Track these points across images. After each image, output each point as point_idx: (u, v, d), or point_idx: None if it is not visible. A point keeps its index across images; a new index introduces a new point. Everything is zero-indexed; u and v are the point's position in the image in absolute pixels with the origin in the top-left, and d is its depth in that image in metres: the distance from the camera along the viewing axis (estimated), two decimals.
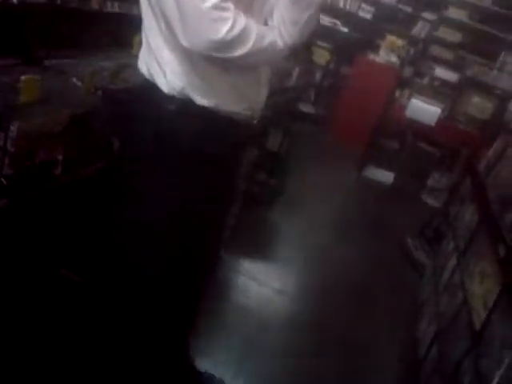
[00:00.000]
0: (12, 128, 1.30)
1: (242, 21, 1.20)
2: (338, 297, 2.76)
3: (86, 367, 1.63)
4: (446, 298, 2.36)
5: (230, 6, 1.18)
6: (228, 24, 1.17)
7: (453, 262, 2.50)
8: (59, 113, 1.46)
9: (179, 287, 1.56)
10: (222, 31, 1.17)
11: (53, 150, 1.41)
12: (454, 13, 6.17)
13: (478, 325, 1.85)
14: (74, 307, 1.70)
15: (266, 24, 1.33)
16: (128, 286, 1.47)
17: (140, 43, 1.42)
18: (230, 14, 1.17)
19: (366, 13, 6.38)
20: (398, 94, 5.11)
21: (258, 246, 2.97)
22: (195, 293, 1.71)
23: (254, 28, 1.24)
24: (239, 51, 1.22)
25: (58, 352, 1.67)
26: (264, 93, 1.46)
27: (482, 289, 1.98)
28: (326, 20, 5.92)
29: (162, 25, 1.27)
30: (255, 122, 1.54)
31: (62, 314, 1.71)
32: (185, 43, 1.21)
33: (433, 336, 2.26)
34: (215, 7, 1.15)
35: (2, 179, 1.25)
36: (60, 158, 1.43)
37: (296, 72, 3.23)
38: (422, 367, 2.22)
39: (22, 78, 1.44)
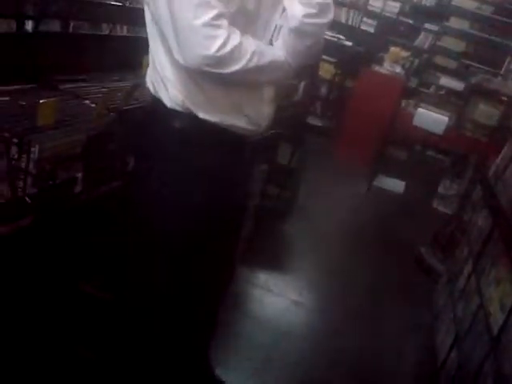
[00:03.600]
0: (33, 150, 1.34)
1: (236, 38, 1.22)
2: (355, 306, 2.76)
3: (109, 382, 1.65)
4: (462, 304, 2.36)
5: (224, 23, 1.20)
6: (220, 41, 1.19)
7: (468, 267, 2.51)
8: (76, 135, 1.50)
9: (199, 301, 1.59)
10: (213, 47, 1.19)
11: (72, 170, 1.45)
12: (455, 22, 6.23)
13: (495, 329, 1.85)
14: (96, 322, 1.73)
15: (270, 44, 1.35)
16: (150, 301, 1.50)
17: (149, 64, 1.46)
18: (222, 31, 1.20)
19: (369, 26, 6.46)
20: (404, 103, 5.13)
21: (273, 258, 2.99)
22: (214, 306, 1.73)
23: (253, 46, 1.25)
24: (232, 68, 1.23)
25: (80, 368, 1.70)
26: (268, 110, 1.45)
27: (498, 293, 1.98)
28: (329, 35, 5.99)
29: (166, 43, 1.29)
30: (262, 137, 1.56)
31: (84, 329, 1.74)
32: (179, 59, 1.24)
33: (451, 342, 2.26)
34: (207, 24, 1.18)
35: (27, 198, 1.29)
36: (79, 176, 1.47)
37: (302, 87, 3.26)
38: (442, 374, 2.22)
39: (40, 101, 1.48)
